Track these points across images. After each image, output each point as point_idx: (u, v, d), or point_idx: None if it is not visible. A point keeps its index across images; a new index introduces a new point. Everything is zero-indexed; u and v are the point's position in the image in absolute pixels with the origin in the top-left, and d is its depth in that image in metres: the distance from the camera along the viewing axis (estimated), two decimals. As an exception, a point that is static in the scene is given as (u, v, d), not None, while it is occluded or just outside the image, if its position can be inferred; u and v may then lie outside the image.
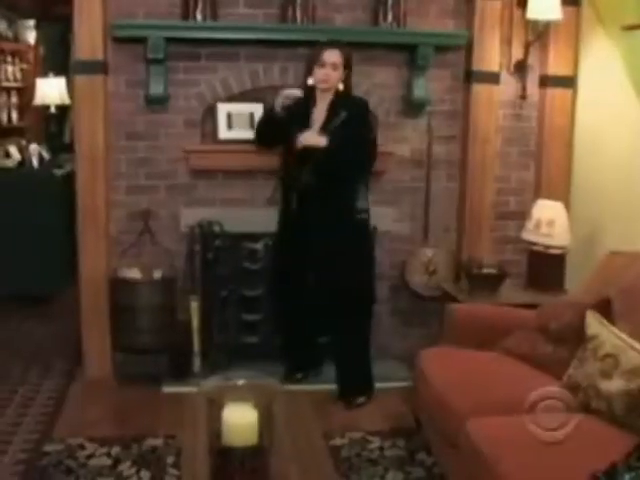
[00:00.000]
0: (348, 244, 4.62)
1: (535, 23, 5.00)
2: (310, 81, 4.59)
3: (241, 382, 2.78)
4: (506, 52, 5.21)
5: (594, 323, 3.43)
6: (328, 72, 4.53)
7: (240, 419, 2.60)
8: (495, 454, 2.93)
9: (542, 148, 5.29)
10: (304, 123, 4.58)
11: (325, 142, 4.47)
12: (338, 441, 4.18)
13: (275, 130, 4.64)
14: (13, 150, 7.49)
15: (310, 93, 4.62)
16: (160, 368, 4.95)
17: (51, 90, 8.65)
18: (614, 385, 3.15)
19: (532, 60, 5.21)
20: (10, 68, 8.37)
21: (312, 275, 4.76)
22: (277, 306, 5.08)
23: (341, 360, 4.80)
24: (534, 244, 4.91)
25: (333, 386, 4.78)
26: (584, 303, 3.67)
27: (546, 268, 4.88)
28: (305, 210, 4.60)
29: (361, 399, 4.72)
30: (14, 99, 8.48)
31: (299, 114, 4.59)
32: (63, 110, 9.05)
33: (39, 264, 6.58)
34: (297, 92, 4.57)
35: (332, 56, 4.52)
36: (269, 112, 4.69)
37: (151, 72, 4.86)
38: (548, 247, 4.84)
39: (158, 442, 4.14)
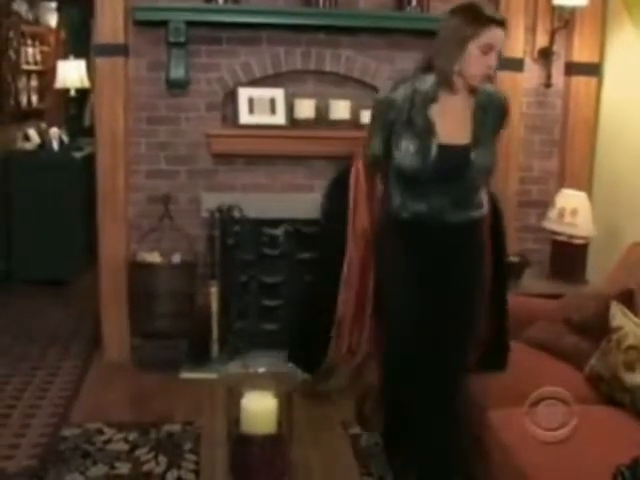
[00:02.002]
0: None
1: (561, 9, 4.93)
2: (456, 67, 3.12)
3: (261, 370, 2.76)
4: (530, 39, 5.13)
5: (619, 314, 3.40)
6: (493, 63, 3.11)
7: (259, 407, 2.59)
8: (517, 445, 2.91)
9: (566, 137, 5.22)
10: (423, 128, 3.16)
11: None
12: (357, 429, 4.14)
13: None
14: (32, 133, 7.50)
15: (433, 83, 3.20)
16: (178, 353, 4.93)
17: (71, 73, 8.65)
18: (638, 378, 3.12)
19: (557, 47, 5.13)
20: (30, 51, 8.34)
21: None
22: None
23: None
24: (557, 234, 4.86)
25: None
26: (607, 294, 3.64)
27: (569, 258, 4.82)
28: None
29: None
30: (34, 82, 8.45)
31: (417, 114, 3.16)
32: (83, 93, 9.04)
33: (58, 247, 6.59)
34: None
35: (501, 39, 3.13)
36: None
37: (172, 56, 4.83)
38: (571, 237, 4.78)
39: (176, 428, 4.13)
